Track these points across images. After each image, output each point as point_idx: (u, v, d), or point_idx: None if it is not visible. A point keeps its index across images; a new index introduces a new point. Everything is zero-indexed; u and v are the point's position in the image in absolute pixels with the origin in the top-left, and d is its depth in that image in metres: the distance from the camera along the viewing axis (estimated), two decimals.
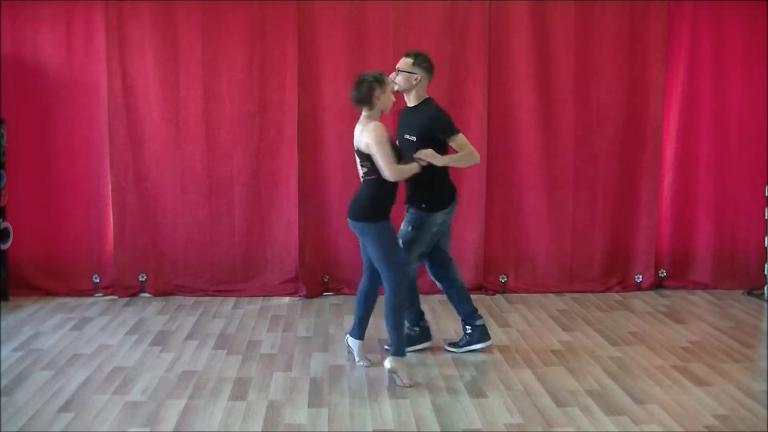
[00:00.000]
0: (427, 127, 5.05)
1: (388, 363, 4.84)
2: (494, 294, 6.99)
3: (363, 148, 4.75)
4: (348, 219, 4.92)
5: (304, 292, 6.86)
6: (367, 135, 4.73)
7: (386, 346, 5.12)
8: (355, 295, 6.70)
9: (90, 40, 6.73)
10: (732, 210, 7.18)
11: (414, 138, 5.04)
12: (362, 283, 5.11)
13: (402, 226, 5.16)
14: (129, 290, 6.87)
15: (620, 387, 4.77)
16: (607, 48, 6.95)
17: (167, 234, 6.92)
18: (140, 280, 6.88)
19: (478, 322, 5.38)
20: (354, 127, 4.87)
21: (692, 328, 6.04)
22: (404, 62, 5.15)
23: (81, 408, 4.43)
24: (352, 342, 5.14)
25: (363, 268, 5.10)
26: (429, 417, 4.32)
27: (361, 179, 4.90)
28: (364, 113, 4.81)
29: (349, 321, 6.12)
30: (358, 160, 4.88)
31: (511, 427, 4.20)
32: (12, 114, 6.69)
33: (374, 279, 5.02)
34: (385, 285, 4.85)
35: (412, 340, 5.33)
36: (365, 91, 4.73)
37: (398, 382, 4.76)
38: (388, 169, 4.69)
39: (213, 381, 4.85)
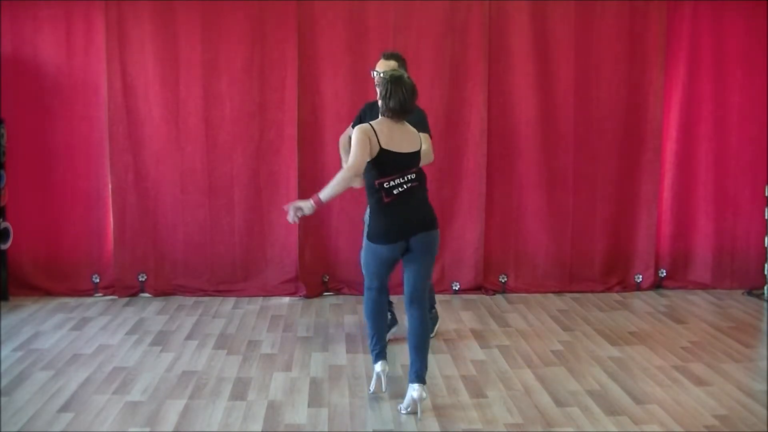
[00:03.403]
0: (419, 120, 4.84)
1: (424, 393, 4.32)
2: (494, 294, 6.99)
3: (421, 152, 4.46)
4: (428, 231, 4.35)
5: (304, 292, 6.86)
6: (424, 139, 4.59)
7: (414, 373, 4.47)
8: (355, 295, 6.77)
9: (90, 40, 6.73)
10: (732, 210, 7.17)
11: None
12: (386, 296, 4.63)
13: None
14: (129, 290, 6.86)
15: (620, 387, 4.77)
16: (607, 48, 6.95)
17: (167, 234, 6.91)
18: (140, 280, 6.88)
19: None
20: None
21: (692, 328, 6.04)
22: (394, 65, 5.11)
23: (81, 408, 4.43)
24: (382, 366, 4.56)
25: (383, 283, 4.53)
26: (429, 417, 4.32)
27: (404, 190, 4.31)
28: (397, 119, 4.34)
29: (349, 320, 6.14)
30: (403, 168, 4.31)
31: (511, 427, 4.20)
32: (12, 114, 6.69)
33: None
34: (427, 307, 4.50)
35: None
36: (413, 99, 4.35)
37: (416, 409, 4.34)
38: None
39: (213, 381, 4.85)
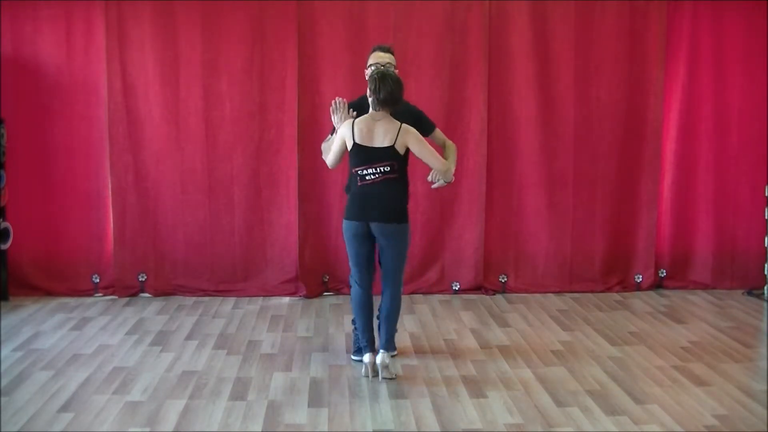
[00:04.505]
0: (417, 119, 5.01)
1: (386, 358, 4.84)
2: (494, 294, 6.99)
3: (399, 148, 4.72)
4: (381, 224, 4.78)
5: (304, 292, 6.86)
6: (408, 135, 4.72)
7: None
8: None
9: (90, 40, 6.74)
10: (732, 210, 7.18)
11: None
12: (367, 291, 5.00)
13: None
14: (129, 290, 6.87)
15: (620, 387, 4.77)
16: (607, 48, 6.95)
17: (167, 234, 6.91)
18: (140, 280, 6.88)
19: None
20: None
21: (692, 328, 6.03)
22: (390, 57, 5.12)
23: (81, 408, 4.43)
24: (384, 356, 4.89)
25: (365, 274, 4.95)
26: (429, 417, 4.32)
27: (376, 179, 4.76)
28: (382, 112, 4.75)
29: (349, 320, 6.12)
30: (376, 160, 4.74)
31: (511, 427, 4.20)
32: (12, 114, 6.69)
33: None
34: (398, 287, 4.94)
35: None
36: (400, 90, 4.73)
37: (386, 375, 4.82)
38: (440, 162, 4.85)
39: (213, 381, 4.85)
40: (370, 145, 4.74)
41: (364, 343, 4.92)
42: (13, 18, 6.67)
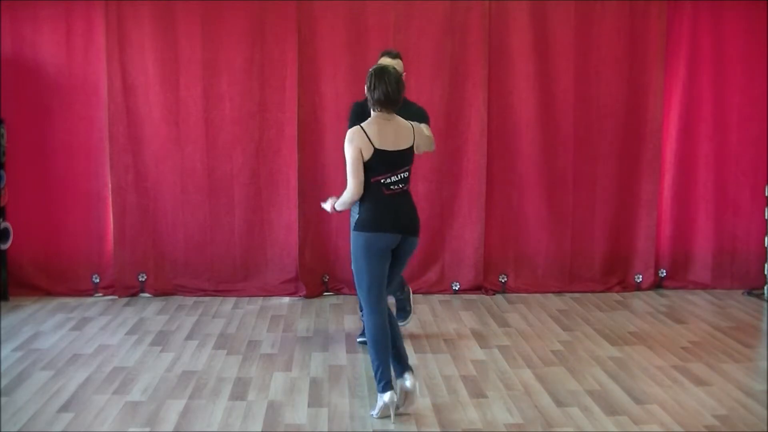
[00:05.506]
0: (424, 118, 4.96)
1: (412, 381, 4.37)
2: (494, 294, 6.99)
3: (415, 148, 4.34)
4: (413, 237, 4.32)
5: (304, 292, 6.85)
6: (418, 133, 4.38)
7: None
8: (355, 295, 6.71)
9: (90, 40, 6.74)
10: (732, 210, 7.17)
11: None
12: (386, 319, 4.33)
13: None
14: (129, 290, 6.86)
15: (620, 387, 4.77)
16: (607, 48, 6.95)
17: (167, 234, 6.91)
18: (140, 280, 6.88)
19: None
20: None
21: (692, 328, 6.03)
22: (399, 63, 5.13)
23: (81, 408, 4.43)
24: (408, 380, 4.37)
25: (383, 297, 4.32)
26: (429, 417, 4.32)
27: (400, 189, 4.26)
28: (387, 113, 4.27)
29: (349, 320, 6.13)
30: (399, 166, 4.25)
31: (511, 427, 4.20)
32: (12, 114, 6.69)
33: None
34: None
35: None
36: (399, 90, 4.25)
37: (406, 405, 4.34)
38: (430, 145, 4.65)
39: (213, 381, 4.85)
40: (389, 149, 4.21)
41: (384, 381, 4.25)
42: (13, 18, 6.67)
